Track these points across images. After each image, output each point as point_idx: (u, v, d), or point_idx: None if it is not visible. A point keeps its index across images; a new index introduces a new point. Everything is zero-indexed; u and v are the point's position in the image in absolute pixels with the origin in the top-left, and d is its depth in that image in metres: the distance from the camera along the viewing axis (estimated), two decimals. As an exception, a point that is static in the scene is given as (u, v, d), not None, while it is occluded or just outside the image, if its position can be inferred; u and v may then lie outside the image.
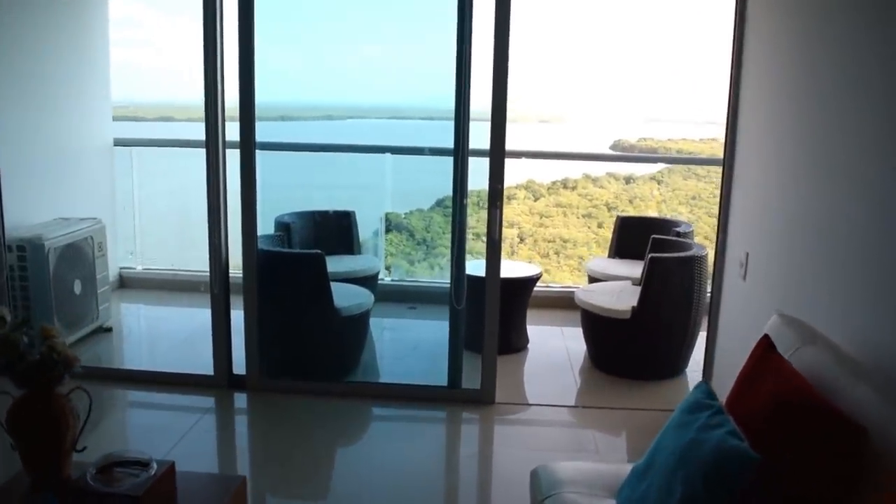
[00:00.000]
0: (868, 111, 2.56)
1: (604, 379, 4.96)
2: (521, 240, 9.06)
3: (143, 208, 6.94)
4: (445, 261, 6.74)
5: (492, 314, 4.27)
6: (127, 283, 6.71)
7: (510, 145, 4.13)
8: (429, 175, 6.62)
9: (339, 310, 4.57)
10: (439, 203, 6.94)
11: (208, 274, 4.42)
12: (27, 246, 4.72)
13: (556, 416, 4.41)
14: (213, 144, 4.27)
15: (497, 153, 4.08)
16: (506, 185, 4.20)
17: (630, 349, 4.89)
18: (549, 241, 9.25)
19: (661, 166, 9.28)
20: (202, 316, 4.56)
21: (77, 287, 5.07)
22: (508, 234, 7.14)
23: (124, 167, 6.74)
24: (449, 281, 4.46)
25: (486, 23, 4.02)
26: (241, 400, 4.48)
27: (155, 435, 3.99)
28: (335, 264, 5.27)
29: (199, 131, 4.32)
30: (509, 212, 7.98)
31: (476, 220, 5.32)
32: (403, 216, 7.10)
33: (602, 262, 6.13)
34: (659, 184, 8.84)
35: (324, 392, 4.49)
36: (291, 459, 3.79)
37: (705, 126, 10.86)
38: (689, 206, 8.77)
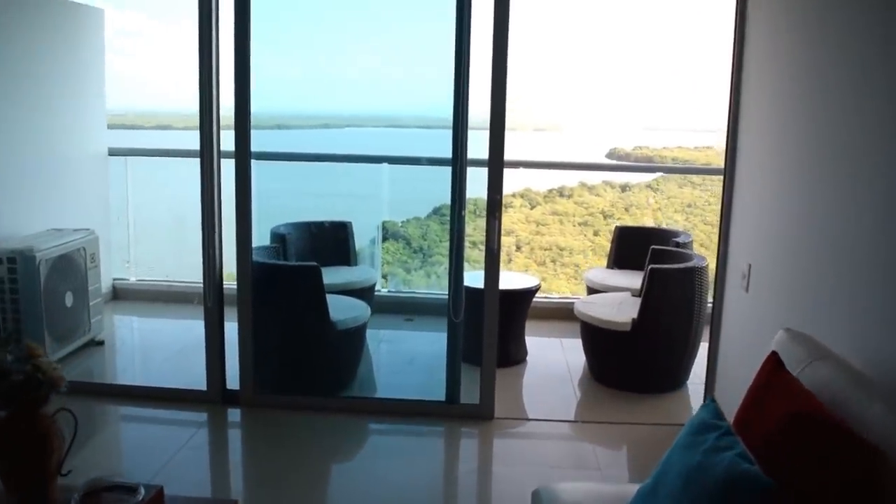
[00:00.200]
0: (876, 116, 2.50)
1: (604, 392, 4.88)
2: (518, 248, 9.05)
3: (137, 218, 6.87)
4: (442, 269, 6.70)
5: (490, 327, 4.19)
6: (120, 295, 6.63)
7: (507, 155, 4.07)
8: (426, 183, 6.59)
9: (335, 323, 4.49)
10: (436, 211, 6.94)
11: (202, 286, 4.34)
12: (18, 258, 4.63)
13: (557, 432, 4.33)
14: (207, 154, 4.20)
15: (496, 163, 4.02)
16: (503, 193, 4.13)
17: (630, 362, 4.82)
18: (545, 250, 9.24)
19: (656, 174, 9.26)
20: (196, 328, 4.46)
21: (69, 299, 4.98)
22: (505, 242, 7.13)
23: (119, 177, 6.68)
24: (446, 292, 4.39)
25: (483, 32, 3.96)
26: (234, 416, 4.39)
27: (146, 453, 3.90)
28: (331, 276, 5.19)
29: (196, 140, 4.25)
30: (506, 220, 8.00)
31: (473, 229, 5.25)
32: (400, 224, 7.06)
33: (601, 272, 6.06)
34: (654, 192, 8.82)
35: (319, 407, 4.41)
36: (286, 478, 3.70)
37: (701, 134, 10.87)
38: (685, 213, 8.77)
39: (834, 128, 2.83)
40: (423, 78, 5.23)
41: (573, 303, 5.53)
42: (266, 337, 4.43)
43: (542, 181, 9.77)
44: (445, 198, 4.31)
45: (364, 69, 5.68)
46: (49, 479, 2.24)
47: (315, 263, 4.51)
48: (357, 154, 6.59)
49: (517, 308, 5.24)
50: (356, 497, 3.60)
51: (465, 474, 3.98)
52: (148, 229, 7.19)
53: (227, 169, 4.26)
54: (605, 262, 6.30)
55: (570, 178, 9.76)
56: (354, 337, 4.69)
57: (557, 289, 8.35)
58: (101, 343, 5.38)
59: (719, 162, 10.98)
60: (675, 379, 4.86)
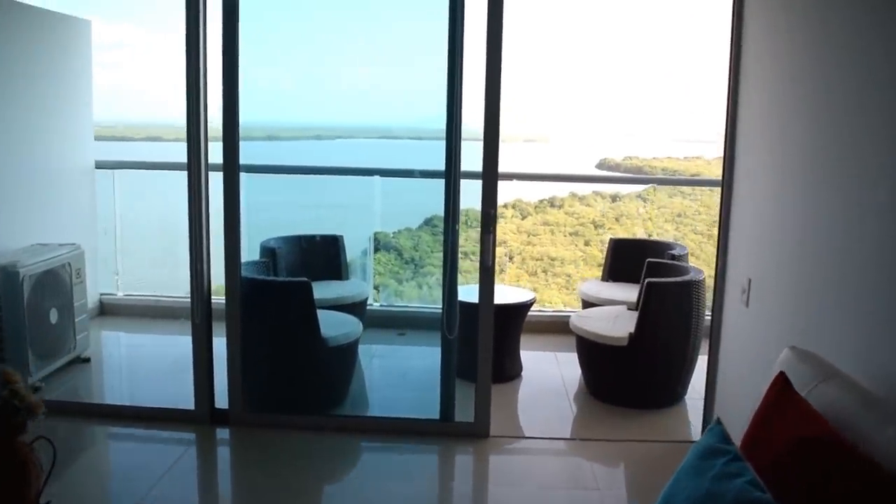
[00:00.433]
0: (882, 118, 2.43)
1: (601, 408, 4.80)
2: (510, 258, 9.00)
3: (125, 232, 6.77)
4: (434, 280, 6.65)
5: (485, 344, 4.10)
6: (107, 310, 6.52)
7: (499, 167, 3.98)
8: (417, 194, 6.54)
9: (327, 339, 4.39)
10: (427, 222, 6.88)
11: (190, 302, 4.24)
12: (0, 273, 4.52)
13: (554, 450, 4.25)
14: (195, 166, 4.10)
15: (490, 177, 3.94)
16: (495, 206, 4.06)
17: (627, 377, 4.73)
18: (536, 260, 9.22)
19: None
20: (185, 344, 4.34)
21: (53, 316, 4.87)
22: (496, 252, 7.07)
23: (107, 190, 6.58)
24: (439, 305, 4.30)
25: (476, 43, 3.89)
26: (223, 436, 4.28)
27: (131, 476, 3.78)
28: (322, 290, 5.10)
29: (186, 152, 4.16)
30: (497, 231, 7.96)
31: (465, 239, 5.18)
32: (392, 235, 6.99)
33: (595, 285, 5.98)
34: (645, 202, 8.78)
35: (310, 426, 4.30)
36: (277, 500, 3.59)
37: (690, 144, 10.89)
38: (675, 223, 8.76)
39: (837, 131, 2.76)
40: (416, 89, 5.16)
41: (568, 316, 5.47)
42: (256, 354, 4.33)
43: (533, 192, 9.78)
44: (437, 209, 4.24)
45: (356, 80, 5.63)
46: (26, 510, 2.14)
47: (305, 279, 4.42)
48: (348, 167, 6.51)
49: (512, 323, 5.15)
50: (349, 520, 3.51)
51: (460, 496, 3.89)
52: (136, 243, 7.10)
53: (217, 181, 4.16)
54: (596, 272, 6.25)
55: (561, 189, 9.78)
56: (346, 353, 4.59)
57: (549, 299, 8.32)
58: (87, 360, 5.27)
59: (708, 171, 11.11)
60: (672, 394, 4.78)
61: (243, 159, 4.13)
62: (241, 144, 4.11)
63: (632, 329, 4.63)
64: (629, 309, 5.13)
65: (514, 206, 9.68)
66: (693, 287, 4.62)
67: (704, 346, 4.53)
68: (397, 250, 6.95)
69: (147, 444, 4.25)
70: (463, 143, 4.03)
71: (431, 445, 4.25)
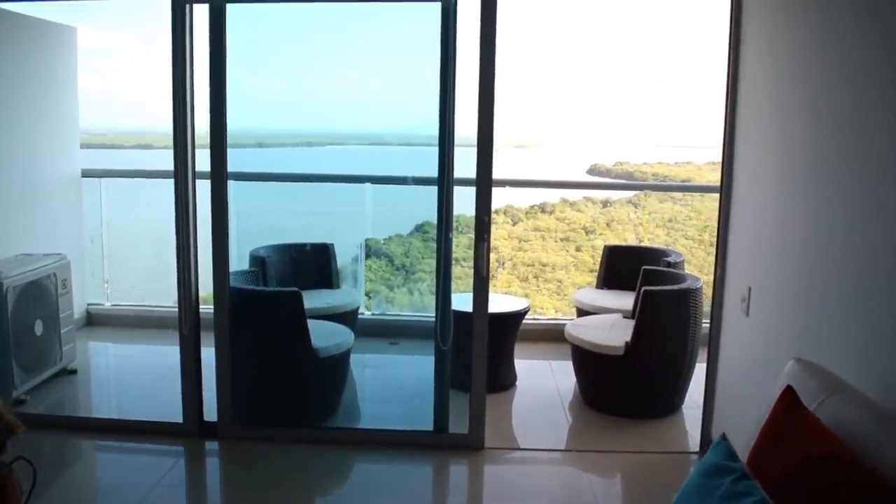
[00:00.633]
0: (887, 118, 2.37)
1: (596, 418, 4.72)
2: (500, 264, 8.96)
3: (113, 241, 6.68)
4: (425, 286, 6.59)
5: (479, 354, 4.03)
6: (95, 321, 6.42)
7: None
8: (408, 200, 6.50)
9: (317, 350, 4.31)
10: (418, 228, 6.88)
11: (178, 313, 4.15)
12: (-16, 285, 4.43)
13: (550, 462, 4.17)
14: (181, 174, 4.02)
15: (483, 184, 3.87)
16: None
17: (624, 386, 4.66)
18: (528, 266, 9.19)
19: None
20: (174, 354, 4.25)
21: (38, 327, 4.77)
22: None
23: (95, 198, 6.48)
24: (432, 314, 4.22)
25: (467, 49, 3.82)
26: (212, 449, 4.19)
27: (118, 491, 3.70)
28: (313, 300, 5.02)
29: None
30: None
31: (455, 245, 5.11)
32: (383, 242, 6.93)
33: (590, 293, 5.91)
34: (636, 207, 8.76)
35: (301, 439, 4.21)
36: (267, 516, 3.51)
37: (681, 150, 10.89)
38: (666, 228, 8.75)
39: (841, 131, 2.69)
40: (407, 95, 5.12)
41: (562, 324, 5.41)
42: (245, 366, 4.24)
43: (524, 197, 9.77)
44: (428, 215, 4.18)
45: (347, 87, 5.59)
46: (5, 536, 2.05)
47: (296, 289, 4.33)
48: (340, 174, 6.43)
49: (506, 331, 5.08)
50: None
51: (455, 510, 3.81)
52: (125, 252, 7.02)
53: (205, 189, 4.07)
54: (587, 277, 6.20)
55: (552, 195, 9.75)
56: (338, 364, 4.50)
57: (540, 304, 8.30)
58: (73, 372, 5.17)
59: (699, 177, 11.09)
60: (669, 404, 4.71)
61: (233, 166, 4.05)
62: (231, 151, 4.03)
63: (628, 338, 4.56)
64: (625, 317, 5.07)
65: (505, 212, 9.67)
66: (690, 295, 4.55)
67: (702, 355, 4.49)
68: (388, 257, 6.89)
69: (134, 459, 4.15)
70: (455, 150, 3.96)
71: (425, 458, 4.17)
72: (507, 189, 8.38)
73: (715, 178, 9.78)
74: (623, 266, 5.84)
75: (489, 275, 3.97)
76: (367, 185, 6.39)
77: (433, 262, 4.19)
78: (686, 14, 9.48)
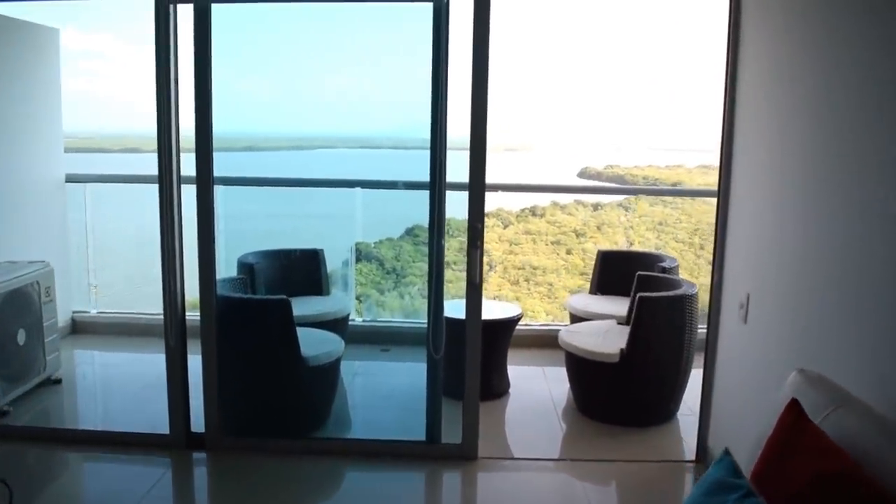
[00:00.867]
0: (889, 123, 2.31)
1: (590, 425, 4.65)
2: (491, 267, 8.94)
3: (100, 247, 6.58)
4: (416, 290, 6.53)
5: (472, 363, 3.94)
6: (80, 329, 6.31)
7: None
8: (399, 204, 6.46)
9: (307, 359, 4.22)
10: (409, 232, 6.83)
11: (163, 322, 4.06)
12: (-35, 294, 4.33)
13: (545, 472, 4.08)
14: (166, 179, 3.91)
15: (476, 190, 3.79)
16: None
17: (619, 394, 4.59)
18: (518, 269, 9.18)
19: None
20: (161, 363, 4.14)
21: (21, 337, 4.67)
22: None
23: (81, 204, 6.39)
24: (423, 321, 4.14)
25: (459, 52, 3.75)
26: (199, 461, 4.09)
27: (103, 506, 3.60)
28: (303, 307, 4.94)
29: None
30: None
31: (447, 249, 5.05)
32: (373, 245, 6.87)
33: (584, 298, 5.84)
34: (626, 210, 8.74)
35: (291, 450, 4.12)
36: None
37: (671, 153, 10.90)
38: (657, 231, 8.74)
39: (841, 134, 2.63)
40: (398, 98, 5.07)
41: (555, 330, 5.36)
42: (233, 376, 4.15)
43: (515, 200, 9.73)
44: (419, 218, 4.11)
45: (337, 89, 5.52)
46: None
47: (284, 297, 4.24)
48: (329, 179, 6.36)
49: (499, 338, 5.00)
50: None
51: (448, 522, 3.73)
52: (111, 259, 6.92)
53: (193, 194, 3.97)
54: (577, 281, 6.13)
55: (543, 198, 9.75)
56: (328, 373, 4.41)
57: (531, 308, 8.29)
58: (58, 382, 5.07)
59: (689, 180, 11.06)
60: (664, 411, 4.64)
61: (222, 170, 3.97)
62: (220, 155, 3.94)
63: (623, 345, 4.49)
64: (619, 323, 5.00)
65: (496, 216, 9.66)
66: (686, 301, 4.48)
67: (697, 360, 4.43)
68: (379, 260, 6.83)
69: (120, 471, 4.05)
70: (447, 153, 3.88)
71: (417, 468, 4.08)
72: (499, 192, 8.36)
73: (705, 181, 9.84)
74: (617, 271, 5.77)
75: (482, 282, 3.90)
76: (358, 188, 6.32)
77: (424, 266, 4.11)
78: (675, 18, 9.48)
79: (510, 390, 5.15)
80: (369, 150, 6.67)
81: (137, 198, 7.05)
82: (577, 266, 9.03)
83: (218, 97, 3.86)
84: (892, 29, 2.32)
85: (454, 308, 4.19)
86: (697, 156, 10.59)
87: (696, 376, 4.36)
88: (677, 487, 4.01)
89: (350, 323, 5.70)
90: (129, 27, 8.20)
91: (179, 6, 3.81)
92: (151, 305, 6.26)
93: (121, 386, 5.38)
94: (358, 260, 6.63)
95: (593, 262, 6.11)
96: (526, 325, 6.15)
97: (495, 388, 5.02)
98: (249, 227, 5.85)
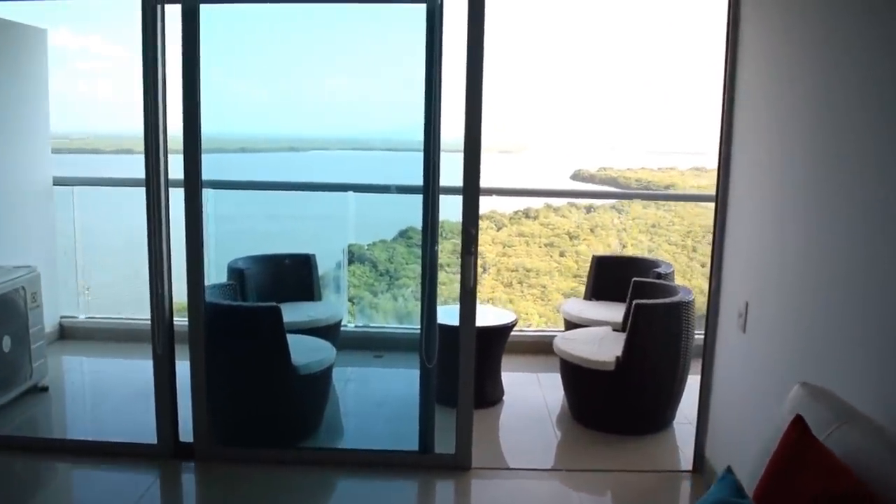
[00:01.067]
0: (889, 126, 2.25)
1: (585, 434, 4.58)
2: (484, 269, 8.91)
3: (91, 250, 6.50)
4: (409, 292, 6.47)
5: (466, 371, 3.88)
6: (68, 334, 6.22)
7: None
8: (393, 206, 6.41)
9: (298, 368, 4.14)
10: (402, 234, 6.78)
11: (150, 330, 3.97)
12: (-52, 301, 4.25)
13: (539, 482, 4.01)
14: (153, 182, 3.82)
15: (471, 195, 3.72)
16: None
17: (614, 402, 4.53)
18: (512, 271, 9.13)
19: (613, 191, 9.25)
20: (151, 369, 4.06)
21: (6, 344, 4.58)
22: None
23: (68, 206, 6.31)
24: (417, 326, 4.05)
25: (452, 54, 3.69)
26: (188, 471, 4.01)
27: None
28: (294, 313, 4.87)
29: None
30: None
31: (440, 251, 5.00)
32: (366, 247, 6.81)
33: (578, 304, 5.78)
34: (619, 213, 8.72)
35: (281, 460, 4.05)
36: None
37: (664, 156, 10.91)
38: (650, 234, 8.72)
39: (844, 133, 2.56)
40: (392, 100, 5.01)
41: (549, 335, 5.31)
42: (222, 385, 4.08)
43: (508, 203, 9.69)
44: (412, 220, 4.04)
45: (331, 91, 5.49)
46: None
47: (275, 304, 4.15)
48: (321, 182, 6.29)
49: (493, 345, 4.94)
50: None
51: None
52: (100, 263, 6.83)
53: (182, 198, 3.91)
54: (571, 283, 6.08)
55: (536, 200, 9.71)
56: (319, 382, 4.34)
57: (525, 310, 8.27)
58: (44, 389, 4.98)
59: (682, 182, 11.03)
60: (661, 419, 4.58)
61: (215, 172, 3.90)
62: (213, 157, 3.88)
63: (619, 352, 4.43)
64: (614, 330, 4.94)
65: (489, 218, 9.65)
66: (682, 308, 4.42)
67: (693, 367, 4.39)
68: (372, 262, 6.76)
69: (107, 482, 3.96)
70: (441, 154, 3.81)
71: (410, 479, 4.01)
72: (492, 196, 8.33)
73: (698, 183, 9.80)
74: (612, 277, 5.72)
75: (476, 288, 3.83)
76: (350, 192, 6.25)
77: (418, 268, 4.04)
78: (667, 20, 9.46)
79: (504, 397, 5.08)
80: (363, 151, 6.60)
81: (128, 199, 6.98)
82: (570, 268, 9.01)
83: (212, 98, 3.80)
84: (892, 29, 2.27)
85: (448, 314, 4.12)
86: (690, 158, 10.58)
87: (692, 383, 4.30)
88: (674, 498, 3.96)
89: (342, 329, 5.63)
90: (123, 27, 8.11)
91: (168, 6, 3.73)
92: (143, 309, 6.18)
93: (109, 393, 5.30)
94: (351, 262, 6.57)
95: (587, 266, 6.05)
96: (520, 330, 6.08)
97: (489, 395, 4.95)
98: (241, 229, 5.79)
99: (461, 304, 3.82)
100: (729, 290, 3.67)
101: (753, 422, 3.22)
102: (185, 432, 4.08)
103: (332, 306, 5.67)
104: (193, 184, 3.82)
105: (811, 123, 2.82)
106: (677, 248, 8.84)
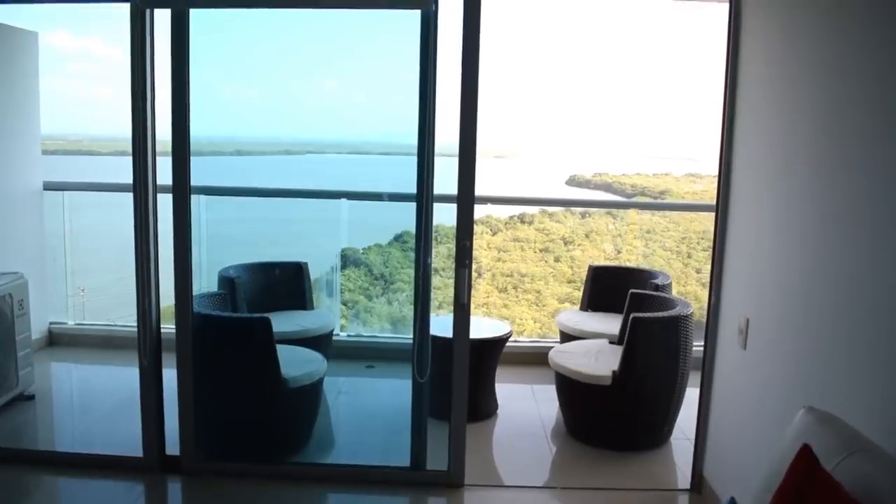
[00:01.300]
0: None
1: (581, 450, 4.49)
2: (479, 274, 8.88)
3: (85, 253, 6.41)
4: (404, 296, 6.39)
5: (460, 387, 3.79)
6: (57, 341, 6.13)
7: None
8: (388, 210, 6.35)
9: (287, 380, 4.04)
10: (398, 238, 6.76)
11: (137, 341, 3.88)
12: (-68, 309, 4.15)
13: (533, 500, 3.93)
14: (141, 189, 3.74)
15: (465, 206, 3.64)
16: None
17: (611, 418, 4.44)
18: (507, 276, 9.12)
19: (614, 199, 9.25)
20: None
21: (-9, 352, 4.50)
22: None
23: (58, 211, 6.22)
24: (409, 336, 3.96)
25: (446, 59, 3.62)
26: (175, 486, 3.92)
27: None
28: (285, 322, 4.79)
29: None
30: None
31: (435, 255, 4.92)
32: (361, 251, 6.75)
33: (574, 315, 5.69)
34: (614, 218, 8.69)
35: (269, 475, 3.96)
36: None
37: (659, 161, 10.91)
38: (644, 239, 8.67)
39: (850, 139, 2.49)
40: (387, 104, 4.95)
41: (544, 346, 5.24)
42: (210, 397, 3.99)
43: (504, 208, 9.68)
44: (408, 224, 3.95)
45: (326, 95, 5.45)
46: None
47: (265, 315, 4.06)
48: (314, 190, 6.22)
49: (487, 358, 4.85)
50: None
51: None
52: (91, 267, 6.74)
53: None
54: (565, 288, 6.01)
55: (531, 205, 9.71)
56: (309, 395, 4.24)
57: (519, 315, 8.27)
58: (31, 398, 4.88)
59: (677, 188, 11.02)
60: (658, 435, 4.49)
61: (210, 175, 3.82)
62: (209, 160, 3.81)
63: (615, 366, 4.34)
64: (611, 342, 4.86)
65: (484, 223, 9.63)
66: (681, 322, 4.33)
67: (691, 380, 4.32)
68: (367, 266, 6.69)
69: (91, 496, 3.86)
70: (436, 159, 3.72)
71: (401, 496, 3.93)
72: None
73: (693, 189, 9.76)
74: (608, 287, 5.64)
75: (470, 302, 3.74)
76: (343, 199, 6.18)
77: (412, 273, 3.93)
78: (663, 27, 9.45)
79: (498, 411, 4.99)
80: (359, 155, 6.54)
81: (122, 202, 6.89)
82: (564, 274, 9.02)
83: (208, 102, 3.77)
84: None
85: (441, 325, 4.03)
86: (685, 164, 10.57)
87: (690, 395, 4.23)
88: (671, 518, 3.88)
89: (334, 338, 5.53)
90: (123, 29, 8.09)
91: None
92: (130, 317, 6.10)
93: (97, 402, 5.18)
94: (346, 266, 6.50)
95: (581, 272, 6.00)
96: (515, 341, 5.99)
97: (483, 409, 4.87)
98: (233, 233, 5.72)
99: (454, 319, 3.74)
100: (729, 305, 3.59)
101: (754, 443, 3.14)
102: (173, 444, 3.98)
103: (324, 316, 5.58)
104: (182, 189, 3.74)
105: (815, 131, 2.75)
106: (672, 253, 8.82)
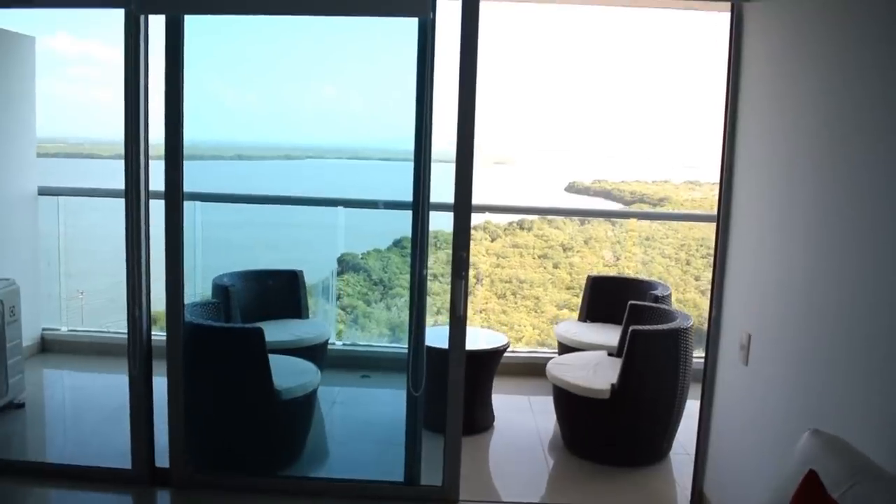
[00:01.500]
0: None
1: (579, 465, 4.41)
2: (478, 280, 8.84)
3: (74, 261, 6.33)
4: (403, 302, 6.30)
5: (455, 401, 3.71)
6: (50, 347, 6.05)
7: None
8: (387, 215, 6.26)
9: (280, 392, 3.97)
10: (397, 243, 6.67)
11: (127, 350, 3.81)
12: (-79, 315, 4.08)
13: (530, 517, 3.86)
14: (133, 193, 3.67)
15: (462, 216, 3.57)
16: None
17: (609, 432, 4.37)
18: (505, 282, 9.14)
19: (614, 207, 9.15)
20: (130, 388, 3.91)
21: (-20, 360, 4.42)
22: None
23: (52, 216, 6.16)
24: (405, 346, 3.88)
25: (443, 65, 3.56)
26: (164, 499, 3.85)
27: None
28: (280, 331, 4.72)
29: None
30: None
31: (433, 262, 4.85)
32: (360, 256, 6.67)
33: (572, 326, 5.62)
34: (613, 225, 8.65)
35: (262, 489, 3.89)
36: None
37: (658, 168, 10.90)
38: (643, 246, 8.64)
39: (857, 151, 2.43)
40: (385, 110, 4.90)
41: (542, 358, 5.19)
42: (201, 408, 3.91)
43: (503, 214, 9.68)
44: (407, 230, 3.87)
45: (326, 101, 5.40)
46: None
47: (258, 326, 3.97)
48: (310, 197, 6.15)
49: (484, 370, 4.78)
50: None
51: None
52: (86, 272, 6.68)
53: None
54: (564, 295, 5.95)
55: (529, 214, 9.65)
56: (302, 407, 4.16)
57: (518, 321, 8.26)
58: (21, 406, 4.81)
59: (676, 195, 10.99)
60: (657, 450, 4.42)
61: (209, 180, 3.76)
62: (207, 164, 3.74)
63: (614, 380, 4.27)
64: (609, 354, 4.79)
65: (483, 228, 9.65)
66: (681, 335, 4.26)
67: (691, 392, 4.27)
68: (366, 272, 6.63)
69: (77, 510, 3.80)
70: (433, 165, 3.65)
71: (395, 512, 3.85)
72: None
73: (692, 196, 9.73)
74: (607, 298, 5.57)
75: (466, 314, 3.67)
76: (340, 207, 6.12)
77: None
78: (661, 34, 9.45)
79: (495, 423, 4.92)
80: (357, 161, 6.49)
81: (117, 206, 6.84)
82: (563, 280, 9.01)
83: (207, 106, 3.75)
84: None
85: (437, 336, 3.96)
86: (684, 171, 10.55)
87: (690, 408, 4.17)
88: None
89: (330, 346, 5.46)
90: (119, 33, 8.08)
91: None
92: (124, 325, 6.04)
93: (88, 410, 5.11)
94: (345, 272, 6.44)
95: (580, 279, 5.95)
96: (512, 352, 5.91)
97: (479, 421, 4.80)
98: (229, 238, 5.66)
99: (451, 331, 3.66)
100: (730, 320, 3.52)
101: (755, 462, 3.07)
102: (162, 455, 3.90)
103: (320, 325, 5.50)
104: (174, 195, 3.67)
105: (819, 141, 2.69)
106: (671, 261, 8.81)
